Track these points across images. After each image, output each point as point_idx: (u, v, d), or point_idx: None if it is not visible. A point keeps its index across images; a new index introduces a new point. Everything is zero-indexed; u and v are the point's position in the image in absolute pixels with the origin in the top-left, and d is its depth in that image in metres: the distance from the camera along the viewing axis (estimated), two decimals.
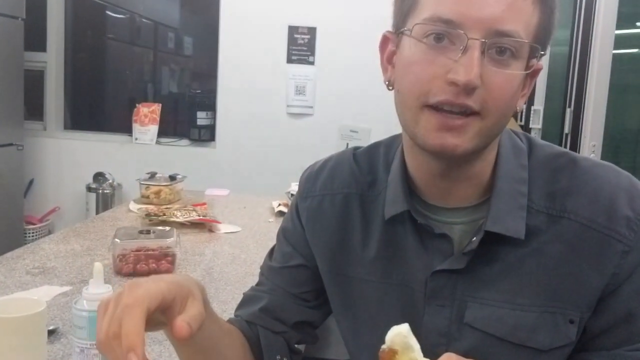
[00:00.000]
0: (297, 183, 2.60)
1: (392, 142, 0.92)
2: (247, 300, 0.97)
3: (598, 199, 0.78)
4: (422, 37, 0.72)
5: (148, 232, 1.71)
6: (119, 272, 1.56)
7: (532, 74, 0.77)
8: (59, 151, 4.33)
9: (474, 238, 0.79)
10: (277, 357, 0.92)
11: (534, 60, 0.74)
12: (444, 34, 0.70)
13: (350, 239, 0.89)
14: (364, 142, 1.02)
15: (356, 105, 3.90)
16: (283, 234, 0.98)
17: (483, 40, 0.68)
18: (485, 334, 0.81)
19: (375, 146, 0.94)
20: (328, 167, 0.95)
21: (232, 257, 1.83)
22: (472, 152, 0.74)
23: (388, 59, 0.81)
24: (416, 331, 0.78)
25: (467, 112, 0.71)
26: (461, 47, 0.69)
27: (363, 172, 0.91)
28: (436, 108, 0.71)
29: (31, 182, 4.33)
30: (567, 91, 3.09)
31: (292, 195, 2.42)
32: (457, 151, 0.72)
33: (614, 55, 2.97)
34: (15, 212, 3.97)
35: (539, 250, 0.79)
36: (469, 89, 0.69)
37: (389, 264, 0.86)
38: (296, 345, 0.95)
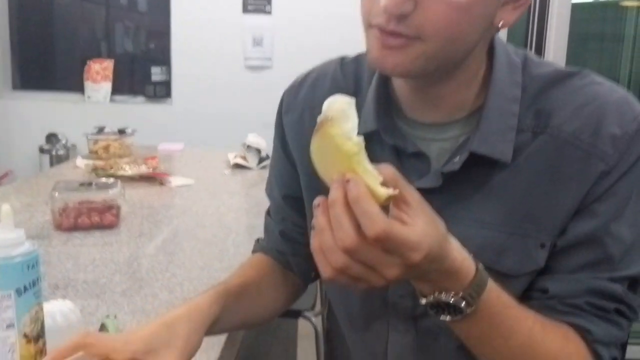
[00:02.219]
0: (255, 134, 2.50)
1: None
2: (266, 232, 0.99)
3: (584, 113, 0.73)
4: None
5: (90, 184, 1.61)
6: (59, 227, 1.47)
7: None
8: (7, 112, 4.14)
9: (457, 158, 0.74)
10: (312, 274, 0.96)
11: None
12: None
13: None
14: None
15: (317, 57, 3.79)
16: (271, 164, 0.97)
17: None
18: None
19: (364, 54, 0.87)
20: (311, 78, 0.90)
21: (183, 209, 1.75)
22: (418, 73, 0.69)
23: None
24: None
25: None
26: None
27: (348, 82, 0.86)
28: (379, 27, 0.67)
29: None
30: (528, 40, 3.05)
31: (248, 146, 2.34)
32: (396, 70, 0.69)
33: (574, 4, 2.93)
34: None
35: (516, 169, 0.74)
36: (398, 16, 0.64)
37: None
38: None
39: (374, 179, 0.57)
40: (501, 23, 0.71)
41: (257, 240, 1.02)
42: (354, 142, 0.56)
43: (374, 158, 0.80)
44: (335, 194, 0.58)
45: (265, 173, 2.38)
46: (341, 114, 0.57)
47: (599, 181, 0.72)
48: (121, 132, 2.37)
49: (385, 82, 0.80)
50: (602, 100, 0.73)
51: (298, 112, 0.89)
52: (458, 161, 0.74)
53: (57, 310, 0.86)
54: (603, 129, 0.72)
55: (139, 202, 1.78)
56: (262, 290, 0.89)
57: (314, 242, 0.60)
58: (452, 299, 0.65)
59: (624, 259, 0.73)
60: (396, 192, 0.57)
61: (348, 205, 0.56)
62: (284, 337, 2.62)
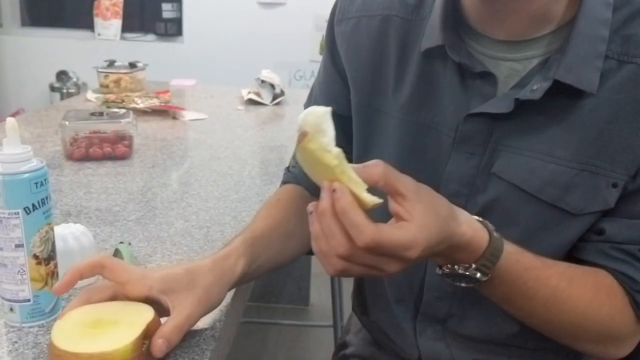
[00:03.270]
0: (269, 70, 2.42)
1: None
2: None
3: None
4: None
5: (101, 114, 1.56)
6: (70, 157, 1.43)
7: None
8: (17, 49, 4.08)
9: (536, 86, 0.67)
10: None
11: None
12: None
13: (383, 68, 0.79)
14: None
15: None
16: (317, 80, 0.92)
17: None
18: (512, 187, 0.72)
19: None
20: None
21: (197, 142, 1.71)
22: None
23: None
24: (437, 178, 0.73)
25: None
26: None
27: None
28: None
29: None
30: None
31: (262, 81, 2.27)
32: None
33: None
34: None
35: (598, 100, 0.68)
36: None
37: (420, 102, 0.77)
38: None
39: (360, 186, 0.57)
40: None
41: (288, 169, 0.97)
42: (333, 155, 0.57)
43: (434, 75, 0.75)
44: (323, 204, 0.57)
45: (280, 109, 2.31)
46: (316, 128, 0.57)
47: None
48: (132, 65, 2.30)
49: None
50: None
51: (354, 21, 0.82)
52: (539, 89, 0.67)
53: (68, 233, 0.82)
54: None
55: (152, 135, 1.73)
56: (290, 230, 0.84)
57: (313, 247, 0.61)
58: (466, 271, 0.64)
59: None
60: (380, 201, 0.58)
61: (337, 214, 0.56)
62: (297, 275, 2.62)
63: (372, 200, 0.57)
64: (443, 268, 0.66)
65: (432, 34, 0.74)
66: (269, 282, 2.65)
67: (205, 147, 1.65)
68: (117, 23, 3.94)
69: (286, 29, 3.72)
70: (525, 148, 0.71)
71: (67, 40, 4.03)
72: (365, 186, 0.57)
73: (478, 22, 0.73)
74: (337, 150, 0.57)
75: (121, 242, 0.93)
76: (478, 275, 0.64)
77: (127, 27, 3.96)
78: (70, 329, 0.61)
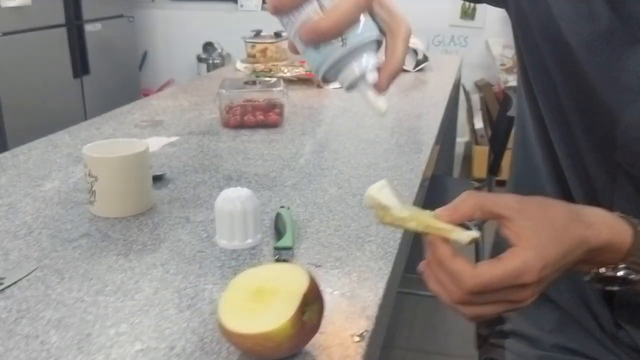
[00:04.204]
0: (412, 35, 2.41)
1: None
2: None
3: None
4: None
5: (254, 82, 1.62)
6: (226, 125, 1.50)
7: None
8: (168, 22, 4.33)
9: None
10: None
11: None
12: None
13: None
14: None
15: None
16: None
17: None
18: None
19: None
20: None
21: (343, 110, 1.72)
22: None
23: None
24: (603, 128, 0.69)
25: None
26: None
27: None
28: None
29: (145, 54, 4.40)
30: None
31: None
32: None
33: None
34: (132, 84, 4.07)
35: None
36: None
37: (604, 39, 0.69)
38: None
39: (449, 231, 0.58)
40: None
41: None
42: (408, 219, 0.59)
43: (633, 10, 0.67)
44: (428, 256, 0.58)
45: (423, 75, 2.27)
46: (379, 206, 0.60)
47: None
48: (277, 35, 2.36)
49: None
50: None
51: None
52: None
53: (236, 197, 0.86)
54: None
55: (299, 103, 1.77)
56: None
57: (442, 302, 0.60)
58: (615, 272, 0.60)
59: None
60: (475, 235, 0.57)
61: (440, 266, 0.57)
62: None
63: (466, 237, 0.57)
64: (589, 274, 0.62)
65: None
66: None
67: (351, 114, 1.66)
68: None
69: None
70: None
71: (212, 13, 4.21)
72: (455, 228, 0.58)
73: None
74: (408, 213, 0.59)
75: (282, 207, 0.97)
76: (631, 275, 0.59)
77: None
78: (235, 303, 0.63)
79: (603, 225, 0.58)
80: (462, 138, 3.68)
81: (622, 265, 0.59)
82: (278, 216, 0.93)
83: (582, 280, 0.79)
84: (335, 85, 2.00)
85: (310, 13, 0.52)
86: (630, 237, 0.59)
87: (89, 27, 3.55)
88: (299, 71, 2.02)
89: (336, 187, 1.11)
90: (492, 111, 3.61)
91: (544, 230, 0.55)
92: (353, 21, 0.51)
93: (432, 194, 1.43)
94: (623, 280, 0.60)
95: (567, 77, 0.76)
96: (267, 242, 0.88)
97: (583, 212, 0.59)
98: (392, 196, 0.60)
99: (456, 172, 3.59)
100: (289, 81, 1.98)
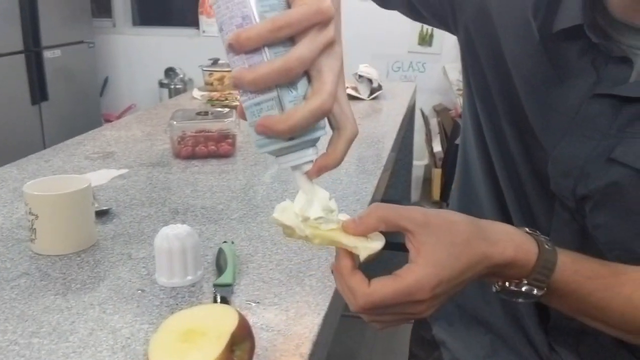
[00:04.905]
0: (366, 64, 2.41)
1: None
2: None
3: None
4: None
5: (206, 113, 1.63)
6: (178, 155, 1.50)
7: None
8: (129, 48, 4.32)
9: None
10: None
11: None
12: None
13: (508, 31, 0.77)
14: None
15: None
16: None
17: None
18: (634, 171, 0.68)
19: None
20: None
21: None
22: None
23: None
24: (546, 156, 0.72)
25: None
26: None
27: None
28: None
29: (106, 80, 4.38)
30: None
31: (359, 76, 2.28)
32: None
33: None
34: (93, 110, 4.05)
35: None
36: None
37: (540, 80, 0.74)
38: None
39: (354, 246, 0.59)
40: None
41: None
42: (311, 237, 0.60)
43: (562, 54, 0.72)
44: (335, 265, 0.61)
45: (377, 104, 2.30)
46: (284, 226, 0.61)
47: None
48: None
49: None
50: None
51: None
52: None
53: (173, 235, 0.86)
54: None
55: None
56: None
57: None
58: (518, 287, 0.62)
59: None
60: (378, 247, 0.59)
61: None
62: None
63: (364, 253, 0.59)
64: (495, 286, 0.64)
65: (571, 12, 0.70)
66: None
67: None
68: None
69: (385, 21, 3.69)
70: None
71: (175, 39, 4.22)
72: (359, 242, 0.59)
73: (619, 7, 0.69)
74: (310, 231, 0.60)
75: (225, 242, 0.97)
76: (534, 291, 0.62)
77: None
78: (165, 344, 0.63)
79: (508, 242, 0.60)
80: (421, 161, 3.73)
81: (525, 281, 0.62)
82: (220, 252, 0.93)
83: (516, 304, 0.82)
84: None
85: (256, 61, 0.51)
86: (534, 254, 0.61)
87: (47, 54, 3.53)
88: None
89: None
90: (449, 135, 3.68)
91: (444, 247, 0.57)
92: (309, 127, 0.52)
93: None
94: (527, 295, 0.62)
95: (508, 107, 0.80)
96: (208, 278, 0.89)
97: (488, 229, 0.61)
98: (293, 217, 0.60)
99: (417, 194, 3.64)
100: None
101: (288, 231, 0.61)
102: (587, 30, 0.68)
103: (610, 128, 0.69)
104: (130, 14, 4.41)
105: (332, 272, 0.63)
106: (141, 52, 4.30)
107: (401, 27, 3.71)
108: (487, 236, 0.60)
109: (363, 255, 0.59)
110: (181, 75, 4.12)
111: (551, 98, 0.74)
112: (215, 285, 0.85)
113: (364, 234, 0.59)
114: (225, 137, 1.54)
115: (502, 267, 0.61)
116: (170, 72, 4.14)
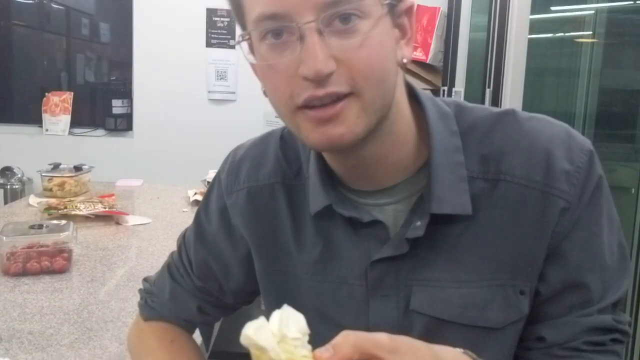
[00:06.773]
0: (215, 170, 2.49)
1: None
2: (175, 301, 0.93)
3: (533, 155, 0.72)
4: (261, 40, 0.64)
5: (40, 226, 1.56)
6: (6, 272, 1.41)
7: (405, 13, 0.68)
8: None
9: (418, 222, 0.71)
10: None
11: (392, 2, 0.65)
12: (277, 29, 0.63)
13: (281, 233, 0.81)
14: None
15: None
16: (208, 258, 0.90)
17: (313, 20, 0.61)
18: (432, 319, 0.74)
19: None
20: (250, 155, 0.85)
21: (139, 250, 1.71)
22: (365, 133, 0.66)
23: (254, 69, 0.71)
24: (364, 328, 0.73)
25: (339, 97, 0.63)
26: (297, 38, 0.61)
27: (289, 158, 0.82)
28: (307, 106, 0.64)
29: None
30: (486, 73, 3.10)
31: (208, 182, 2.31)
32: (346, 139, 0.65)
33: (531, 39, 3.00)
34: None
35: (479, 220, 0.72)
36: (326, 75, 0.61)
37: (322, 260, 0.79)
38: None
39: None
40: (404, 59, 0.69)
41: (145, 301, 0.95)
42: None
43: (329, 232, 0.79)
44: None
45: None
46: (256, 346, 0.57)
47: (562, 219, 0.71)
48: (77, 168, 2.31)
49: (321, 157, 0.77)
50: (545, 137, 0.72)
51: (244, 192, 0.83)
52: (421, 225, 0.71)
53: None
54: (554, 167, 0.71)
55: (93, 244, 1.73)
56: None
57: None
58: None
59: (606, 288, 0.73)
60: None
61: None
62: None
63: None
64: None
65: (316, 198, 0.76)
66: None
67: (146, 255, 1.65)
68: (65, 119, 3.95)
69: (236, 125, 3.79)
70: (433, 280, 0.74)
71: (15, 136, 4.01)
72: None
73: (352, 181, 0.76)
74: (286, 356, 0.57)
75: None
76: None
77: (76, 122, 3.97)
78: None
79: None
80: None
81: None
82: None
83: None
84: (135, 222, 1.99)
85: None
86: None
87: None
88: (97, 207, 1.99)
89: (117, 343, 1.09)
90: None
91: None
92: None
93: None
94: None
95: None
96: None
97: (441, 352, 0.62)
98: (270, 337, 0.57)
99: None
100: (86, 218, 1.94)
101: (257, 352, 0.57)
102: (335, 207, 0.75)
103: (399, 282, 0.75)
104: None
105: None
106: None
107: (253, 131, 3.85)
108: (440, 358, 0.61)
109: None
110: (19, 175, 3.89)
111: (339, 274, 0.78)
112: None
113: None
114: (61, 251, 1.48)
115: None
116: (7, 171, 3.89)
